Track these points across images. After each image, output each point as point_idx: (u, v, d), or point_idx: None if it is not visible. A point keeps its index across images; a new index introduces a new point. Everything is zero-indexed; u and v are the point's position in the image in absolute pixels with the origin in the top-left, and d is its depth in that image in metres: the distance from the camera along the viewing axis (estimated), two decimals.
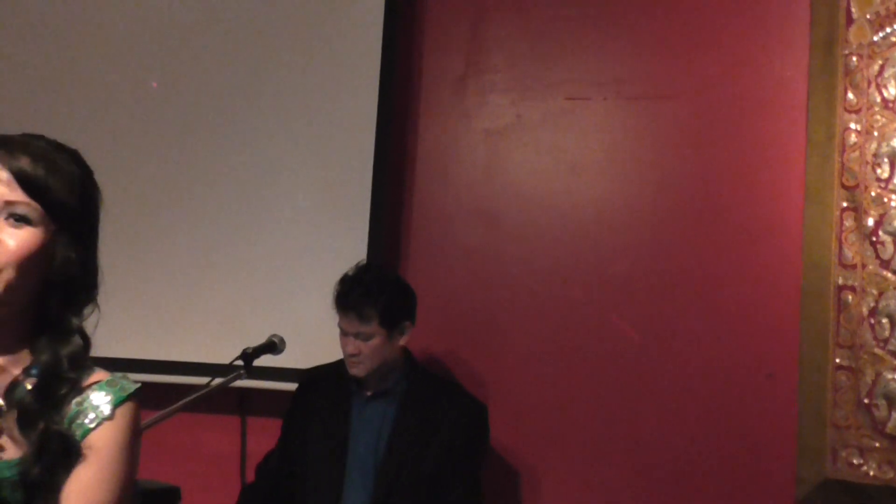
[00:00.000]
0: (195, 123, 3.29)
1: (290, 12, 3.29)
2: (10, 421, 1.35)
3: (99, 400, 1.39)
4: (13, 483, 1.32)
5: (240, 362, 2.60)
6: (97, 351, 3.04)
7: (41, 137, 1.43)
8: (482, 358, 3.15)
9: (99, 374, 1.43)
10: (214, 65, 3.30)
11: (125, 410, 1.40)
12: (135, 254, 3.24)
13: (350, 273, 2.75)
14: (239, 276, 3.20)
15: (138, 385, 1.43)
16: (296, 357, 2.91)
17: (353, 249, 3.05)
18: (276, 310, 3.12)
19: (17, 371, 1.39)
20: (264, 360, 2.69)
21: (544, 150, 3.23)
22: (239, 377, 2.59)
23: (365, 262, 2.88)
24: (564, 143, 3.21)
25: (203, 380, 2.56)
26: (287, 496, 2.78)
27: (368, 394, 2.77)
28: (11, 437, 1.35)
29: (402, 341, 2.76)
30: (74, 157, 1.44)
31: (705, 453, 2.91)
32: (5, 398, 1.36)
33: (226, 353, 2.65)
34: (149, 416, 2.29)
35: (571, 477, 3.05)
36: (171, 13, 3.34)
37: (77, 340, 1.40)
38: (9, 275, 1.33)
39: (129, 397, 1.40)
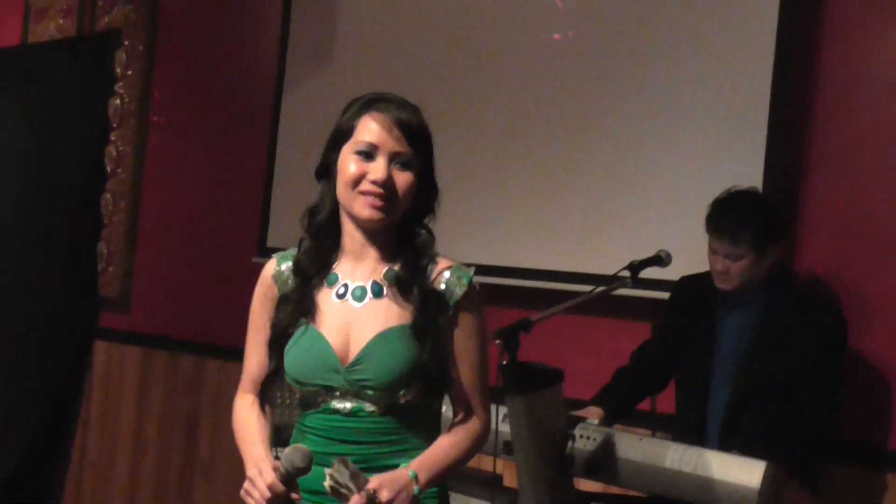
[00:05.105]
0: (609, 65, 3.53)
1: None
2: (394, 296, 1.98)
3: (456, 278, 2.00)
4: (407, 334, 1.95)
5: (626, 273, 2.82)
6: (503, 261, 3.49)
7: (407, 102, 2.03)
8: (869, 276, 3.07)
9: (445, 261, 2.02)
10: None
11: (475, 284, 2.02)
12: (551, 175, 3.63)
13: (723, 197, 2.90)
14: (635, 194, 3.42)
15: (473, 267, 2.04)
16: (679, 271, 3.07)
17: (747, 174, 3.09)
18: (666, 228, 3.28)
19: (390, 262, 2.00)
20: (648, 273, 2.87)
21: None
22: (624, 286, 2.83)
23: (737, 187, 2.95)
24: None
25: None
26: (660, 382, 3.15)
27: (731, 303, 2.95)
28: (400, 306, 1.96)
29: (770, 261, 2.88)
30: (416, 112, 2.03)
31: None
32: (385, 279, 1.99)
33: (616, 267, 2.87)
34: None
35: None
36: None
37: (424, 234, 2.02)
38: (403, 203, 1.98)
39: (472, 276, 2.02)
